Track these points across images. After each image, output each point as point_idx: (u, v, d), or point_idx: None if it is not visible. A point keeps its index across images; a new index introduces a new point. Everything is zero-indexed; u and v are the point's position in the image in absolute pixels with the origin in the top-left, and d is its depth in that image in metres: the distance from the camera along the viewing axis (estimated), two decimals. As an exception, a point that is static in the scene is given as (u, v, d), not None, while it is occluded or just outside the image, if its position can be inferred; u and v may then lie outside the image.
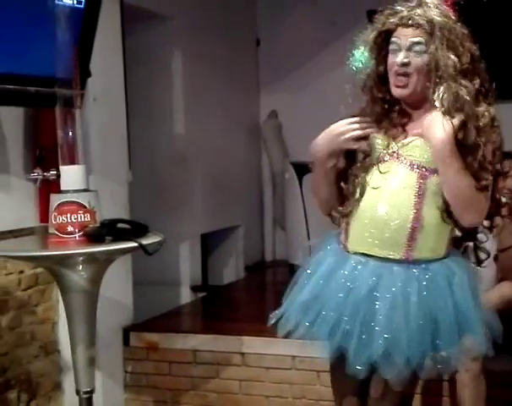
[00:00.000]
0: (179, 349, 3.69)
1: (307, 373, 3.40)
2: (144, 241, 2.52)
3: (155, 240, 2.58)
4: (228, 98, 5.22)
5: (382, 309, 1.95)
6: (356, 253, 2.05)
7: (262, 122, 5.79)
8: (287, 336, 2.11)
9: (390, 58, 2.02)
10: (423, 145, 1.99)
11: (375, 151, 2.06)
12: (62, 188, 2.65)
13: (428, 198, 1.99)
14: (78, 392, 2.72)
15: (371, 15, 5.94)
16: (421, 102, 2.03)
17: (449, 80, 1.94)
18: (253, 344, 3.56)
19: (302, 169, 5.31)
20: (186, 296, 4.69)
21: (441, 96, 1.94)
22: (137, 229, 2.60)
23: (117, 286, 3.57)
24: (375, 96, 2.08)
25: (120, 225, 2.59)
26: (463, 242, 2.12)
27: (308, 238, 5.22)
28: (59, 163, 2.72)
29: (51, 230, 2.63)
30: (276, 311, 2.14)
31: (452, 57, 1.94)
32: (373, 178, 2.05)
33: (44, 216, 3.02)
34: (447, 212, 1.99)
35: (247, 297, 5.11)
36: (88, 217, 2.60)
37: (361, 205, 2.04)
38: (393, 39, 2.01)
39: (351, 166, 2.11)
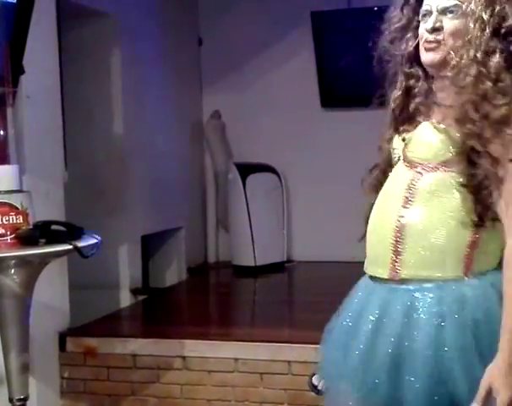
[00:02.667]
0: (118, 354, 3.62)
1: (250, 375, 3.38)
2: (80, 243, 2.48)
3: (91, 242, 2.53)
4: (170, 98, 5.17)
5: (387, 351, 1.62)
6: (370, 276, 1.75)
7: (205, 122, 5.76)
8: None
9: (421, 27, 1.71)
10: (426, 138, 1.69)
11: (394, 152, 1.79)
12: (-6, 188, 2.58)
13: (421, 200, 1.64)
14: (11, 401, 2.67)
15: (315, 17, 6.00)
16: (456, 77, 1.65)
17: (494, 48, 1.60)
18: (194, 347, 3.51)
19: (245, 170, 5.32)
20: (126, 299, 4.62)
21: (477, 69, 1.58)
22: (72, 231, 2.55)
23: (53, 290, 3.49)
24: (403, 84, 1.76)
25: (54, 227, 2.54)
26: None
27: (252, 239, 5.21)
28: (-10, 163, 2.65)
29: (-19, 232, 2.55)
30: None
31: (503, 15, 1.61)
32: (387, 182, 1.77)
33: (-26, 217, 2.92)
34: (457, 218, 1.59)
35: (189, 299, 5.05)
36: (20, 219, 2.54)
37: (372, 215, 1.77)
38: (424, 6, 1.71)
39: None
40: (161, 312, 4.37)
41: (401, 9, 1.78)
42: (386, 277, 1.66)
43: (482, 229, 1.59)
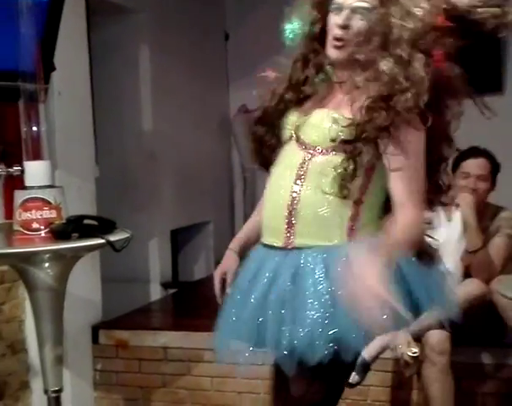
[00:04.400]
0: (149, 347, 3.66)
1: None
2: (112, 237, 2.49)
3: (123, 237, 2.54)
4: (197, 93, 5.18)
5: (275, 306, 1.80)
6: (264, 244, 1.93)
7: (232, 116, 5.77)
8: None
9: (331, 18, 1.85)
10: (318, 123, 1.84)
11: (285, 129, 1.94)
12: (27, 184, 2.61)
13: (311, 179, 1.81)
14: (46, 392, 2.69)
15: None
16: (355, 64, 1.84)
17: (394, 49, 1.76)
18: (224, 340, 3.53)
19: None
20: (156, 293, 4.66)
21: (386, 67, 1.75)
22: (104, 226, 2.57)
23: (85, 283, 3.52)
24: (305, 54, 1.92)
25: (86, 221, 2.56)
26: None
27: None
28: (23, 159, 2.68)
29: (16, 227, 2.59)
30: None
31: (406, 24, 1.76)
32: (279, 159, 1.93)
33: (8, 212, 2.97)
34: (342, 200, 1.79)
35: (218, 293, 5.07)
36: (53, 214, 2.57)
37: (267, 189, 1.94)
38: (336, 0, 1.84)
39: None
40: (191, 305, 4.39)
41: None
42: (281, 246, 1.84)
43: (361, 205, 1.82)
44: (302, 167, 1.83)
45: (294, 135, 1.90)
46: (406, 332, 2.86)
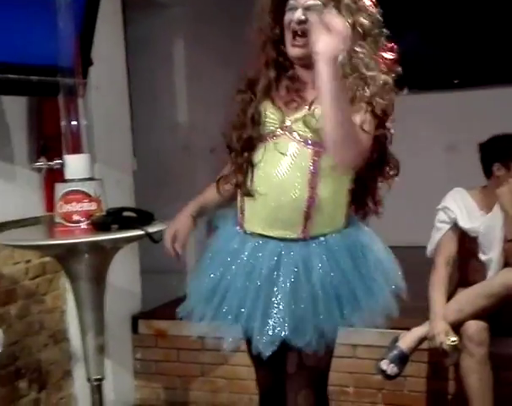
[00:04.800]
0: (187, 336, 3.68)
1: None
2: (150, 229, 2.54)
3: (162, 228, 2.57)
4: (231, 86, 5.18)
5: (283, 288, 1.93)
6: (253, 233, 2.01)
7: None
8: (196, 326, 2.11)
9: (287, 16, 1.96)
10: (315, 121, 1.91)
11: (266, 125, 1.99)
12: (67, 177, 2.67)
13: (323, 175, 1.93)
14: (88, 380, 2.76)
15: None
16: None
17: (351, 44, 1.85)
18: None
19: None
20: (193, 283, 4.69)
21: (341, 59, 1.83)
22: (143, 217, 2.62)
23: (125, 274, 3.57)
24: (270, 58, 2.01)
25: (126, 213, 2.61)
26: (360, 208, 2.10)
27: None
28: (63, 152, 2.73)
29: (58, 219, 2.65)
30: (183, 304, 2.15)
31: (359, 19, 1.89)
32: (266, 154, 1.98)
33: (49, 205, 3.03)
34: (343, 190, 1.98)
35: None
36: (94, 206, 2.63)
37: (254, 183, 1.99)
38: (290, 1, 1.95)
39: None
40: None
41: (272, 1, 2.02)
42: (297, 237, 1.96)
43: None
44: (315, 164, 1.92)
45: (288, 131, 1.95)
46: (444, 321, 2.85)
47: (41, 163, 3.04)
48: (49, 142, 3.09)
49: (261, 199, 1.97)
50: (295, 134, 1.95)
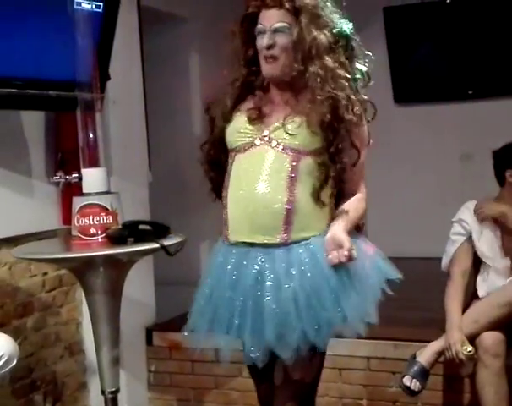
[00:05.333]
0: (202, 348, 3.69)
1: (330, 371, 3.40)
2: (166, 242, 2.54)
3: (177, 241, 2.60)
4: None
5: (268, 295, 1.97)
6: (238, 243, 2.06)
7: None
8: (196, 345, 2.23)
9: (258, 41, 2.05)
10: (294, 127, 1.99)
11: (242, 137, 2.06)
12: (85, 190, 2.69)
13: (302, 180, 2.00)
14: (103, 392, 2.76)
15: (387, 12, 5.93)
16: (292, 83, 2.04)
17: (317, 59, 1.97)
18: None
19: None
20: (208, 295, 4.69)
21: (312, 74, 1.97)
22: (158, 230, 2.62)
23: (140, 286, 3.59)
24: (239, 76, 2.10)
25: (142, 226, 2.61)
26: None
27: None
28: (81, 166, 2.75)
29: (74, 232, 2.66)
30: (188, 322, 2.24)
31: (321, 35, 1.98)
32: (246, 164, 2.04)
33: (66, 218, 3.06)
34: (318, 193, 2.02)
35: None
36: (110, 219, 2.64)
37: (235, 192, 2.06)
38: (258, 25, 2.04)
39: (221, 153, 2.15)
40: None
41: (241, 25, 2.11)
42: (278, 242, 2.00)
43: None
44: (293, 169, 1.99)
45: (267, 140, 2.02)
46: (461, 332, 2.85)
47: (59, 177, 3.07)
48: (66, 156, 3.12)
49: (243, 207, 2.03)
50: (274, 142, 2.02)
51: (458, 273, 3.03)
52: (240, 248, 2.05)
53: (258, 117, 2.06)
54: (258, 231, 2.02)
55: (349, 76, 2.01)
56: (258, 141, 2.04)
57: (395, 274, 2.09)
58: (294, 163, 1.99)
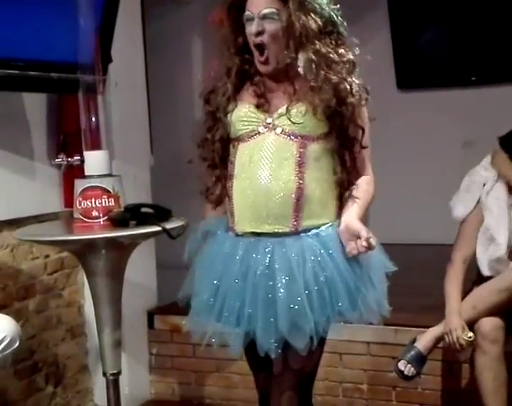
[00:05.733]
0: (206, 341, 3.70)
1: (330, 355, 3.40)
2: (168, 225, 2.54)
3: (179, 224, 2.60)
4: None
5: (280, 284, 1.94)
6: (245, 233, 2.03)
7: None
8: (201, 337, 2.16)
9: (246, 29, 2.01)
10: (300, 114, 1.97)
11: (246, 126, 2.03)
12: (87, 173, 2.69)
13: (310, 166, 1.98)
14: (104, 374, 2.76)
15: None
16: (287, 70, 2.01)
17: (309, 44, 1.94)
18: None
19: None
20: (209, 279, 4.69)
21: (306, 60, 1.95)
22: (160, 213, 2.62)
23: (142, 270, 3.58)
24: (233, 66, 2.06)
25: (144, 209, 2.61)
26: None
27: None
28: (83, 149, 2.75)
29: (76, 215, 2.66)
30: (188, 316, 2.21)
31: (310, 20, 1.94)
32: (250, 152, 2.01)
33: (68, 201, 3.06)
34: (327, 179, 2.00)
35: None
36: (112, 202, 2.63)
37: (241, 182, 2.02)
38: (246, 12, 1.99)
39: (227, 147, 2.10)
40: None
41: (228, 12, 2.05)
42: (288, 231, 1.98)
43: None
44: (301, 156, 1.97)
45: (271, 127, 1.99)
46: (460, 317, 2.85)
47: (61, 159, 3.07)
48: (68, 138, 3.12)
49: (250, 196, 2.00)
50: (279, 129, 1.99)
51: (459, 257, 3.02)
52: (248, 238, 2.02)
53: (263, 104, 2.03)
54: (267, 220, 1.99)
55: (344, 59, 1.99)
56: (261, 129, 2.01)
57: (391, 266, 2.08)
58: (301, 150, 1.97)
